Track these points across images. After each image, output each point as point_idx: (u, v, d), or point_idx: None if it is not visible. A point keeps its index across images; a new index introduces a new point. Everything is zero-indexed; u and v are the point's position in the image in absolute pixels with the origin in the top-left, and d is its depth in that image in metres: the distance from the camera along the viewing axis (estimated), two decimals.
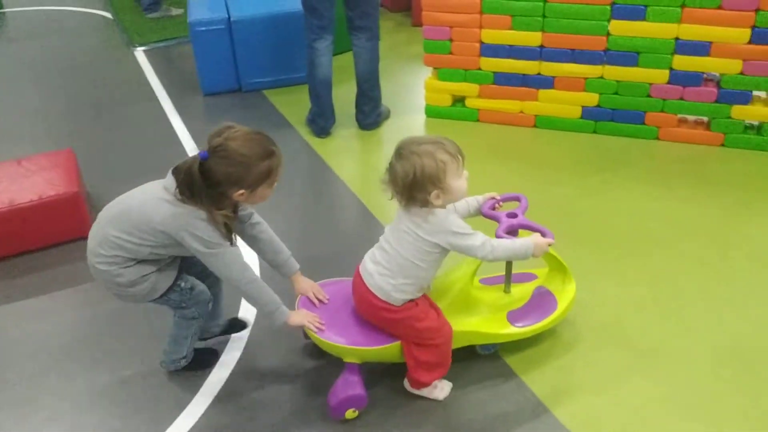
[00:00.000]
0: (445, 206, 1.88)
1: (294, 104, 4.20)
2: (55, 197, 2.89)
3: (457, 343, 2.12)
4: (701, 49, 3.34)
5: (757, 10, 3.17)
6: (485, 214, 2.11)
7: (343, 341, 2.01)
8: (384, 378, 2.17)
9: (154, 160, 3.69)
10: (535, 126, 3.83)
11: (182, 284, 2.03)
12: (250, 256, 2.40)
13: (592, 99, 3.65)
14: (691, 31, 3.32)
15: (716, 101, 3.45)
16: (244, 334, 2.40)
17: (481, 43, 3.72)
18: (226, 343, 2.38)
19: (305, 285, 2.14)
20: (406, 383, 2.11)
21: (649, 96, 3.54)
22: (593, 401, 2.09)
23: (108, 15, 6.32)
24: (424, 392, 2.10)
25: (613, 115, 3.66)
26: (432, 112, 4.01)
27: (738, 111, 3.43)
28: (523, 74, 3.71)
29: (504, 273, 2.27)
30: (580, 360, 2.25)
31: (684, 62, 3.40)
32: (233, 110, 4.25)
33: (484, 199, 2.13)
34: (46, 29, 6.13)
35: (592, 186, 3.24)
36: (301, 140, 3.81)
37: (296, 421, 2.08)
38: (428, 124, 3.96)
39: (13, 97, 4.67)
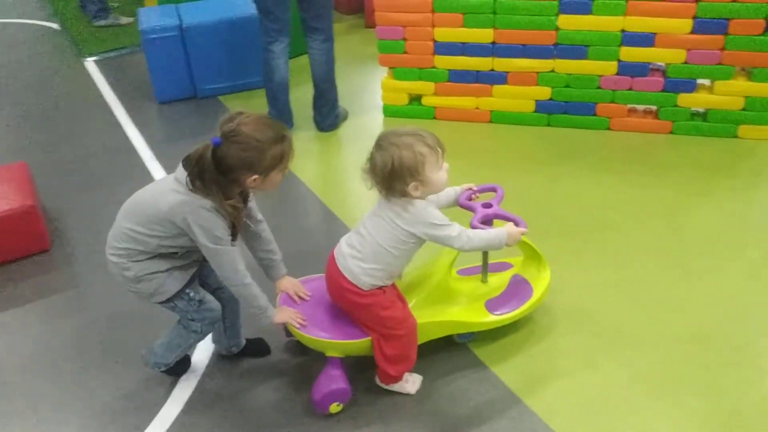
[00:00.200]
0: (424, 197, 1.91)
1: (251, 109, 4.04)
2: (9, 212, 2.83)
3: (437, 333, 2.17)
4: (646, 40, 3.45)
5: (697, 1, 3.29)
6: (462, 204, 2.16)
7: (325, 335, 2.04)
8: (365, 371, 2.18)
9: (111, 170, 3.64)
10: (491, 121, 3.90)
11: (191, 294, 2.00)
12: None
13: (544, 93, 3.73)
14: (636, 23, 3.43)
15: (663, 90, 3.56)
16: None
17: (435, 41, 3.77)
18: (207, 340, 2.37)
19: (287, 283, 2.16)
20: (377, 380, 2.14)
21: (599, 88, 3.64)
22: (562, 387, 2.15)
23: (55, 26, 6.19)
24: (396, 387, 2.13)
25: (566, 108, 3.74)
26: (389, 112, 4.04)
27: (684, 99, 3.55)
28: (477, 71, 3.78)
29: (481, 263, 2.32)
30: (547, 347, 2.30)
31: (631, 53, 3.50)
32: (189, 117, 4.22)
33: (462, 190, 2.18)
34: None
35: (548, 177, 3.31)
36: None
37: (281, 417, 2.10)
38: (386, 124, 3.99)
39: None
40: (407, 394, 2.14)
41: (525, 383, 2.17)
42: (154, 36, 4.19)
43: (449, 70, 3.82)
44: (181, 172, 1.83)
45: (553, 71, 3.67)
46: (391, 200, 1.91)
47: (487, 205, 2.14)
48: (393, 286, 2.06)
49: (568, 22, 3.51)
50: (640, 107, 3.71)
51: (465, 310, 2.21)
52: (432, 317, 2.13)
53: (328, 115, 3.86)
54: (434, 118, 3.97)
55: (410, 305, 2.09)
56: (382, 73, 4.09)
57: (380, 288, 1.99)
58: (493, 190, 2.22)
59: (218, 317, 2.07)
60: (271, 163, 1.82)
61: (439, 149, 1.87)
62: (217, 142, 1.77)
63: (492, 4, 3.57)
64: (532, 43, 3.61)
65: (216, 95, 4.44)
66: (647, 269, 2.64)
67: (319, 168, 3.63)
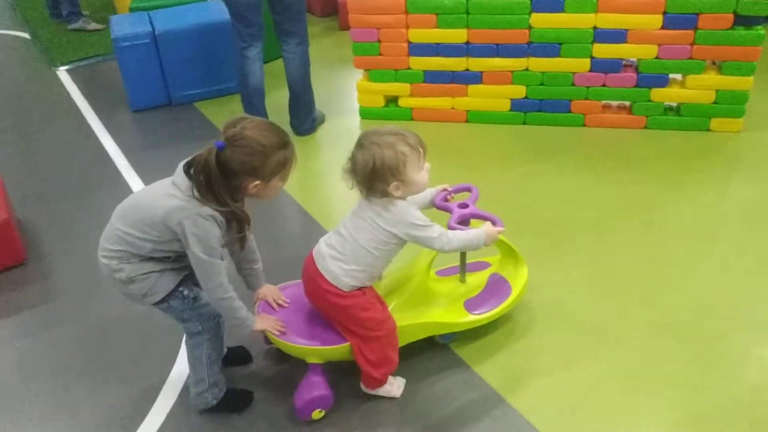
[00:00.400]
0: (405, 198, 1.92)
1: (227, 114, 4.08)
2: None
3: (418, 335, 2.17)
4: (618, 36, 3.48)
5: None
6: (438, 205, 2.17)
7: (304, 342, 2.03)
8: (347, 377, 2.18)
9: (86, 180, 3.61)
10: (467, 121, 3.91)
11: (185, 292, 1.97)
12: None
13: (519, 91, 3.75)
14: (607, 20, 3.46)
15: (636, 86, 3.60)
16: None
17: (409, 42, 3.78)
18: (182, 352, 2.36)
19: (266, 290, 2.15)
20: (362, 386, 2.13)
21: (573, 85, 3.67)
22: (543, 384, 2.17)
23: (26, 35, 6.11)
24: (381, 391, 2.13)
25: (541, 106, 3.77)
26: (366, 114, 4.04)
27: (657, 94, 3.60)
28: (452, 71, 3.79)
29: (459, 263, 2.33)
30: (527, 345, 2.32)
31: (603, 50, 3.54)
32: (165, 124, 4.18)
33: (437, 191, 2.19)
34: None
35: (525, 175, 3.33)
36: None
37: (264, 425, 2.09)
38: (363, 126, 3.99)
39: None
40: (392, 398, 2.14)
41: (507, 382, 2.18)
42: (127, 44, 4.16)
43: (424, 71, 3.83)
44: (180, 177, 1.81)
45: (527, 70, 3.69)
46: (372, 200, 1.91)
47: (463, 206, 2.15)
48: (371, 288, 2.06)
49: (541, 20, 3.54)
50: (614, 103, 3.75)
51: (444, 311, 2.22)
52: (412, 319, 2.14)
53: (305, 119, 3.86)
54: (411, 119, 3.98)
55: (390, 308, 2.09)
56: (357, 76, 4.10)
57: (360, 289, 1.99)
58: (468, 190, 2.23)
59: (215, 312, 2.04)
60: (275, 169, 1.81)
61: (420, 149, 1.88)
62: (221, 146, 1.75)
63: (465, 5, 3.58)
64: (506, 42, 3.63)
65: (191, 102, 4.41)
66: (623, 265, 2.67)
67: (297, 173, 3.56)
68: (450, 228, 2.04)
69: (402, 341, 2.10)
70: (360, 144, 1.88)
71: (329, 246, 1.99)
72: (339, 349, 2.04)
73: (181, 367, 2.32)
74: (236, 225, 1.87)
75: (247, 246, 2.06)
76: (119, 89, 4.50)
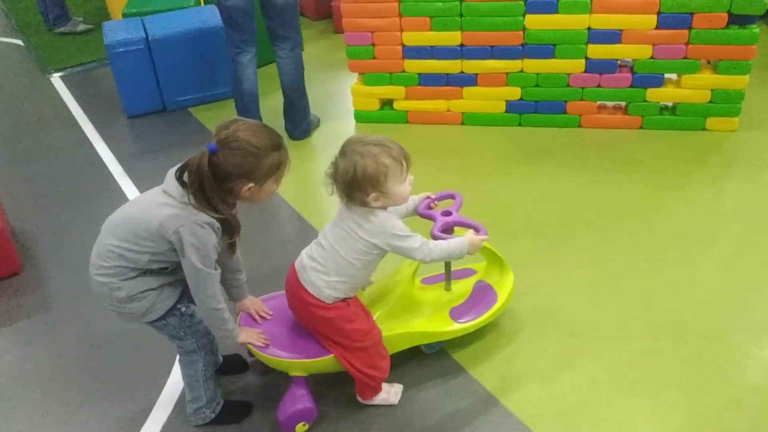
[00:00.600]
0: (385, 208, 1.89)
1: (221, 120, 4.14)
2: None
3: (402, 345, 2.14)
4: (613, 37, 3.47)
5: None
6: (421, 213, 2.14)
7: (287, 355, 2.00)
8: (332, 388, 2.17)
9: (82, 188, 3.59)
10: (462, 123, 3.90)
11: (183, 309, 1.94)
12: None
13: (514, 93, 3.74)
14: (602, 21, 3.45)
15: (631, 86, 3.59)
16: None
17: (403, 45, 3.76)
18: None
19: (249, 303, 2.12)
20: (358, 397, 2.11)
21: (568, 86, 3.66)
22: (540, 387, 2.16)
23: (19, 42, 6.09)
24: (378, 400, 2.11)
25: (536, 107, 3.76)
26: (361, 117, 4.03)
27: (652, 94, 3.59)
28: (447, 74, 3.77)
29: (444, 271, 2.30)
30: (524, 349, 2.31)
31: (598, 51, 3.53)
32: (159, 130, 4.17)
33: (420, 199, 2.15)
34: None
35: (521, 177, 3.32)
36: None
37: None
38: (358, 129, 3.98)
39: None
40: (390, 405, 2.12)
41: (504, 385, 2.17)
42: (120, 49, 4.14)
43: (419, 73, 3.82)
44: (170, 185, 1.78)
45: (522, 71, 3.68)
46: (352, 209, 1.89)
47: (447, 213, 2.11)
48: (355, 297, 2.03)
49: (535, 21, 3.52)
50: (610, 103, 3.74)
51: (430, 320, 2.19)
52: (397, 329, 2.10)
53: (299, 123, 3.85)
54: (407, 122, 3.96)
55: (374, 318, 2.07)
56: (352, 79, 4.08)
57: (344, 300, 1.97)
58: (452, 197, 2.19)
59: (207, 328, 2.02)
60: (268, 171, 1.79)
61: (404, 162, 1.85)
62: (213, 149, 1.73)
63: (459, 7, 3.57)
64: (500, 44, 3.61)
65: (185, 107, 4.39)
66: (621, 266, 2.66)
67: (292, 177, 3.54)
68: (433, 236, 2.00)
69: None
70: (343, 151, 1.85)
71: (310, 258, 1.96)
72: (322, 362, 2.00)
73: (177, 377, 2.30)
74: (228, 231, 1.85)
75: (234, 256, 2.03)
76: (113, 95, 4.49)
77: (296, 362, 2.00)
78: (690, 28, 3.37)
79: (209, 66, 4.29)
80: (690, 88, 3.52)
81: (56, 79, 5.13)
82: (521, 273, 2.57)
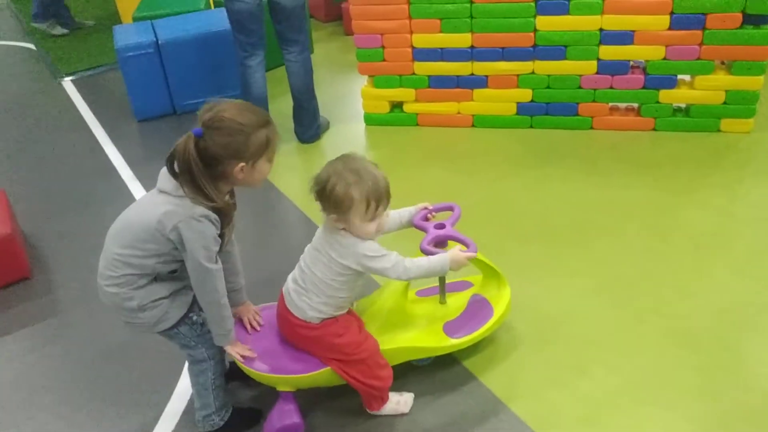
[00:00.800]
0: (348, 230, 1.83)
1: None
2: None
3: (394, 360, 2.08)
4: (625, 38, 3.43)
5: None
6: (416, 224, 2.08)
7: (273, 370, 1.96)
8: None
9: (91, 192, 3.59)
10: (473, 126, 3.87)
11: (194, 317, 1.92)
12: None
13: (525, 95, 3.71)
14: (614, 21, 3.41)
15: (644, 87, 3.55)
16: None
17: (413, 48, 3.74)
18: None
19: (244, 309, 2.09)
20: (366, 409, 2.07)
21: (579, 87, 3.62)
22: (551, 395, 2.12)
23: (31, 46, 6.12)
24: (388, 410, 2.07)
25: (548, 109, 3.72)
26: (371, 120, 4.01)
27: (665, 95, 3.54)
28: (457, 76, 3.75)
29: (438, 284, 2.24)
30: (535, 355, 2.28)
31: (610, 52, 3.49)
32: (169, 134, 4.17)
33: (417, 210, 2.09)
34: None
35: (532, 180, 3.29)
36: None
37: None
38: (368, 132, 3.96)
39: None
40: (401, 414, 2.08)
41: (515, 393, 2.14)
42: (130, 54, 4.14)
43: (429, 76, 3.79)
44: (164, 181, 1.76)
45: (533, 73, 3.64)
46: (327, 229, 1.86)
47: (440, 226, 2.03)
48: (348, 311, 2.00)
49: (546, 23, 3.49)
50: (622, 105, 3.70)
51: (423, 335, 2.12)
52: (388, 344, 2.04)
53: (309, 126, 3.83)
54: (417, 124, 3.94)
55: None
56: (362, 81, 4.06)
57: (332, 318, 1.93)
58: (450, 209, 2.12)
59: None
60: (258, 149, 1.74)
61: (373, 202, 1.76)
62: (198, 133, 1.70)
63: (469, 9, 3.55)
64: (511, 45, 3.58)
65: (195, 110, 4.26)
66: (633, 271, 2.62)
67: (302, 181, 3.59)
68: (422, 250, 1.95)
69: None
70: (333, 160, 1.83)
71: (294, 281, 1.94)
72: (310, 377, 1.97)
73: (186, 383, 2.29)
74: (225, 222, 1.81)
75: (233, 258, 2.01)
76: (124, 99, 4.50)
77: (283, 377, 1.97)
78: (704, 28, 3.32)
79: (219, 69, 4.29)
80: (704, 89, 3.47)
81: (67, 82, 5.15)
82: (532, 277, 2.55)
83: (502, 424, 2.04)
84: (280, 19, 3.51)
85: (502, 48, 3.60)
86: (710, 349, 2.24)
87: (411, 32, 3.70)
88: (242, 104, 1.78)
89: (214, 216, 1.75)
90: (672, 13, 3.32)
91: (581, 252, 2.76)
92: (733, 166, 3.29)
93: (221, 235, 1.82)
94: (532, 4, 3.45)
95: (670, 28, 3.36)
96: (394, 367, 2.06)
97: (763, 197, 3.01)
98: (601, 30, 3.45)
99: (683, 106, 3.60)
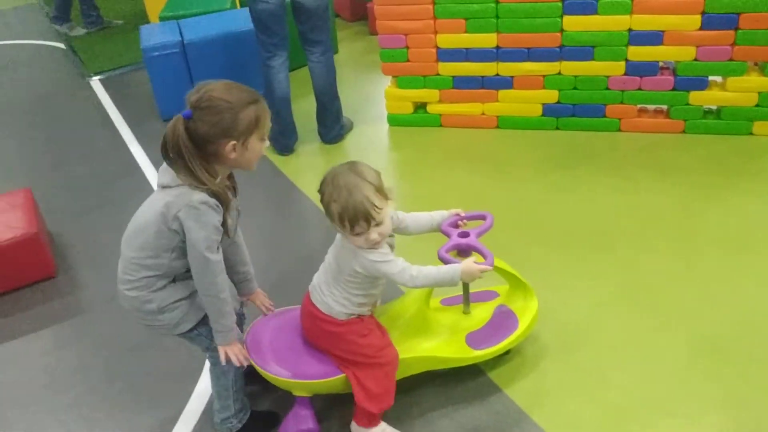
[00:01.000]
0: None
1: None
2: (13, 240, 2.82)
3: (414, 369, 2.05)
4: (654, 38, 3.36)
5: None
6: (442, 230, 2.04)
7: (290, 375, 1.95)
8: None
9: (116, 192, 3.62)
10: (497, 127, 3.83)
11: None
12: None
13: (551, 96, 3.66)
14: (643, 21, 3.34)
15: (674, 89, 3.47)
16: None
17: (438, 48, 3.71)
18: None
19: (254, 296, 2.11)
20: (353, 425, 2.00)
21: (607, 89, 3.55)
22: (572, 403, 2.08)
23: (61, 45, 6.21)
24: None
25: (574, 110, 3.66)
26: (394, 121, 3.99)
27: (696, 97, 3.46)
28: (482, 76, 3.71)
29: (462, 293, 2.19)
30: (556, 362, 2.23)
31: (639, 52, 3.42)
32: None
33: (449, 215, 2.06)
34: None
35: (557, 182, 3.24)
36: (264, 159, 3.76)
37: None
38: (391, 133, 3.94)
39: None
40: (409, 421, 2.05)
41: (536, 402, 2.10)
42: (156, 53, 4.17)
43: (453, 76, 3.76)
44: (163, 175, 1.76)
45: (559, 74, 3.59)
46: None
47: (464, 235, 1.99)
48: (371, 315, 1.98)
49: (573, 23, 3.43)
50: (651, 107, 3.62)
51: (444, 345, 2.08)
52: (409, 352, 2.00)
53: (332, 126, 3.82)
54: (440, 125, 3.91)
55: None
56: (386, 81, 4.04)
57: (357, 317, 1.92)
58: (483, 218, 2.07)
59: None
60: (247, 126, 1.73)
61: (348, 224, 1.74)
62: (187, 115, 1.69)
63: (494, 9, 3.50)
64: (537, 45, 3.53)
65: None
66: (660, 278, 2.56)
67: None
68: (439, 256, 1.92)
69: (398, 375, 1.98)
70: (341, 164, 1.84)
71: (320, 275, 1.95)
72: (327, 383, 1.95)
73: (205, 384, 2.29)
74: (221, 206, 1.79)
75: (240, 248, 2.00)
76: (150, 98, 4.53)
77: (299, 383, 1.95)
78: (736, 28, 3.23)
79: (243, 69, 4.29)
80: (736, 90, 3.38)
81: (95, 82, 5.21)
82: (554, 282, 2.50)
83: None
84: (303, 19, 3.50)
85: (528, 48, 3.55)
86: (736, 361, 2.17)
87: (435, 32, 3.67)
88: (230, 83, 1.76)
89: (213, 201, 1.73)
90: (703, 12, 3.24)
91: (605, 256, 2.70)
92: (765, 170, 3.20)
93: (223, 223, 1.80)
94: (559, 3, 3.40)
95: (701, 29, 3.28)
96: (414, 376, 2.02)
97: None
98: (629, 30, 3.38)
99: (714, 108, 3.52)
